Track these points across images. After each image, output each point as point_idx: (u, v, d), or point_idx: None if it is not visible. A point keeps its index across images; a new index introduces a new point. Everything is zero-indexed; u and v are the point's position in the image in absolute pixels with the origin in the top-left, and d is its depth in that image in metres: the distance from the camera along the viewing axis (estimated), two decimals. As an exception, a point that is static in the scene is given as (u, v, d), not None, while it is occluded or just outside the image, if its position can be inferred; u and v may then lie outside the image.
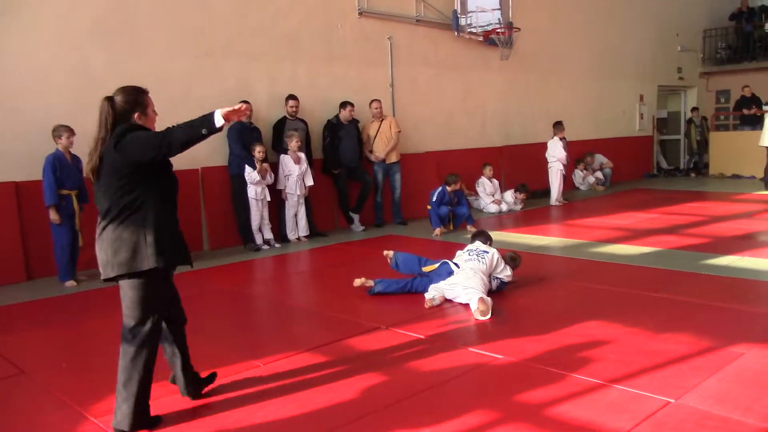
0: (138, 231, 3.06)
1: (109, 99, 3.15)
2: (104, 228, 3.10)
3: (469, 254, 5.43)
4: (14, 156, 6.66)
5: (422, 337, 4.43)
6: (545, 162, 11.63)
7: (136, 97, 3.20)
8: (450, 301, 5.22)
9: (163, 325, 3.32)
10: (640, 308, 4.93)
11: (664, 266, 6.27)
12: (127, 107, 3.16)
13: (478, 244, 5.60)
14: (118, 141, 3.03)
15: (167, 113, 7.66)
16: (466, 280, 5.13)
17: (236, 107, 3.07)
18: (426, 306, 5.11)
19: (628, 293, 5.38)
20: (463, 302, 5.08)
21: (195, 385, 3.52)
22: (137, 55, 7.51)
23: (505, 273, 5.41)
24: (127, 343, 3.13)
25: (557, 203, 11.31)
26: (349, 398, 3.48)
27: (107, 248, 3.08)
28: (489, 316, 4.73)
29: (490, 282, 5.32)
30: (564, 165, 11.37)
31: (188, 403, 3.49)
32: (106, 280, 3.17)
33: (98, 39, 7.23)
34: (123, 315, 3.17)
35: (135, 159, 3.04)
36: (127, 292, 3.12)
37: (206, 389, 3.59)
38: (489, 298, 4.93)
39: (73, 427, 3.29)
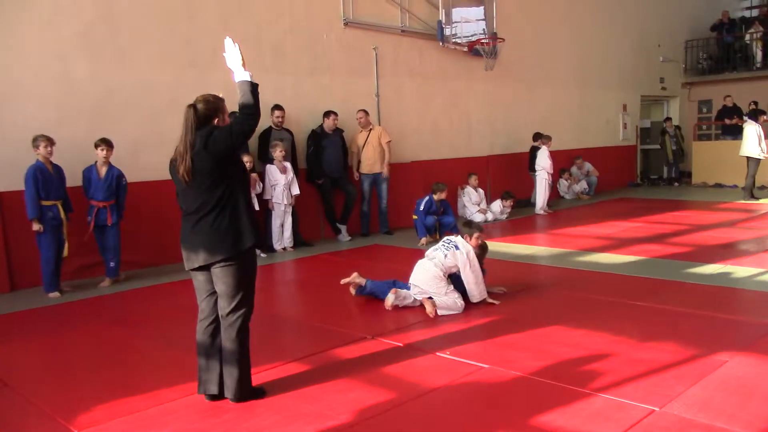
0: (234, 219, 3.44)
1: (193, 107, 3.46)
2: (199, 220, 3.45)
3: (443, 244, 5.52)
4: (-3, 166, 6.61)
5: (408, 347, 4.44)
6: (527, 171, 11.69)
7: (216, 105, 3.53)
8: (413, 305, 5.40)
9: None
10: (624, 317, 4.97)
11: (648, 275, 6.33)
12: (209, 113, 3.49)
13: (457, 238, 5.61)
14: (206, 141, 3.38)
15: (152, 123, 7.76)
16: (419, 280, 5.36)
17: (228, 50, 3.54)
18: (386, 306, 5.37)
19: (613, 302, 5.41)
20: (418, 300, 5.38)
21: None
22: (122, 65, 7.48)
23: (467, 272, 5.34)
24: (230, 325, 3.50)
25: (542, 212, 11.39)
26: (335, 409, 3.47)
27: (208, 238, 3.44)
28: (433, 315, 5.12)
29: (450, 279, 5.39)
30: (549, 174, 11.49)
31: (173, 412, 3.46)
32: (199, 268, 3.52)
33: (82, 49, 7.19)
34: (220, 300, 3.53)
35: (219, 151, 3.38)
36: (228, 275, 3.47)
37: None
38: (435, 299, 5.21)
39: (56, 440, 3.26)
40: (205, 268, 3.51)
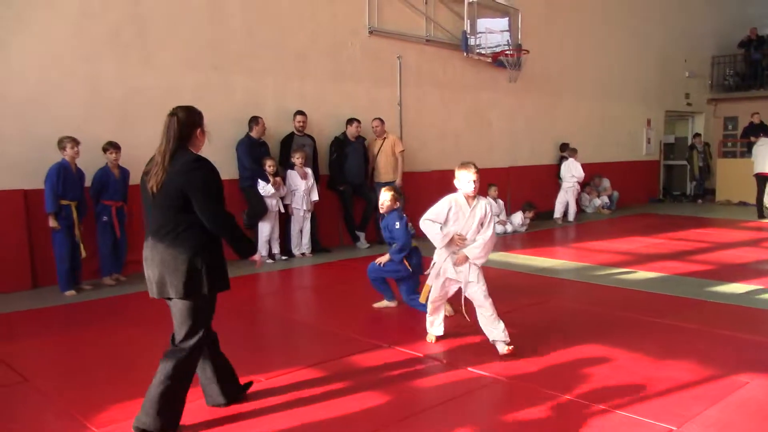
0: (194, 253, 3.20)
1: (174, 115, 3.25)
2: (156, 244, 3.23)
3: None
4: (23, 164, 6.71)
5: (423, 355, 4.43)
6: (552, 183, 11.66)
7: (198, 114, 3.35)
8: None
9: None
10: (643, 334, 4.91)
11: (669, 292, 6.25)
12: (191, 123, 3.29)
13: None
14: (188, 175, 3.17)
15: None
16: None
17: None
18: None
19: (632, 318, 5.36)
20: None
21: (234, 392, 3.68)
22: (148, 67, 7.59)
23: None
24: (173, 353, 3.28)
25: (560, 222, 11.78)
26: (350, 416, 3.47)
27: (159, 268, 3.21)
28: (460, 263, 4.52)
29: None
30: (579, 184, 12.08)
31: (186, 416, 3.48)
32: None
33: (110, 51, 7.30)
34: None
35: (191, 200, 3.20)
36: (181, 308, 3.28)
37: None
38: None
39: (74, 437, 3.29)
40: None
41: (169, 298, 3.28)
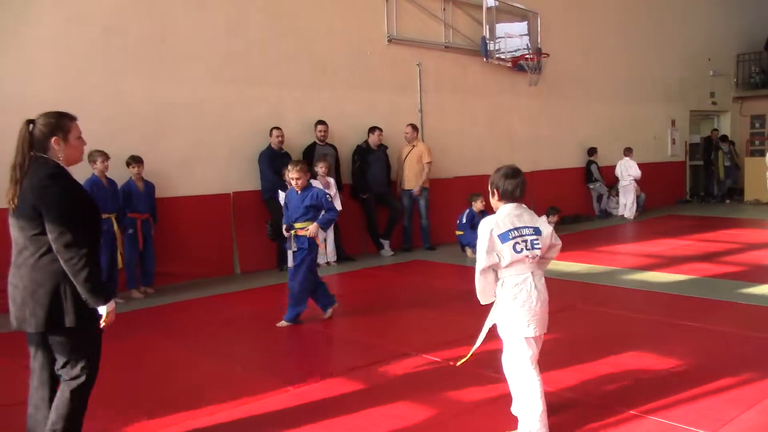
0: (57, 280, 2.80)
1: (30, 122, 2.91)
2: (18, 267, 2.86)
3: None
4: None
5: (451, 363, 4.40)
6: (575, 187, 11.60)
7: (57, 121, 2.92)
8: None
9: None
10: (674, 338, 4.84)
11: (700, 294, 6.15)
12: (46, 131, 2.88)
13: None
14: (40, 191, 2.78)
15: (201, 138, 7.93)
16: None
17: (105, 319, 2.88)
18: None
19: (662, 322, 5.28)
20: None
21: None
22: (172, 81, 7.69)
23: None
24: (63, 388, 2.92)
25: (632, 217, 12.50)
26: (379, 425, 3.46)
27: (20, 295, 2.83)
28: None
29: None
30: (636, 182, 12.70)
31: (217, 425, 3.49)
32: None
33: (135, 66, 7.42)
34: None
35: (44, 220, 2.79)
36: (55, 341, 2.89)
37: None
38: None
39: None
40: None
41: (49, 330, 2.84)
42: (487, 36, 10.98)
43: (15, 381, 4.24)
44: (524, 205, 3.31)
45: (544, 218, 3.38)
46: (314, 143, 8.73)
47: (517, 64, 11.37)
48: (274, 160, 8.17)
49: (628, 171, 12.77)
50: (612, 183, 13.21)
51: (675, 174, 15.67)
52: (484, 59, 11.00)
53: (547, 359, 4.37)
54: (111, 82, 7.24)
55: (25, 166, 2.84)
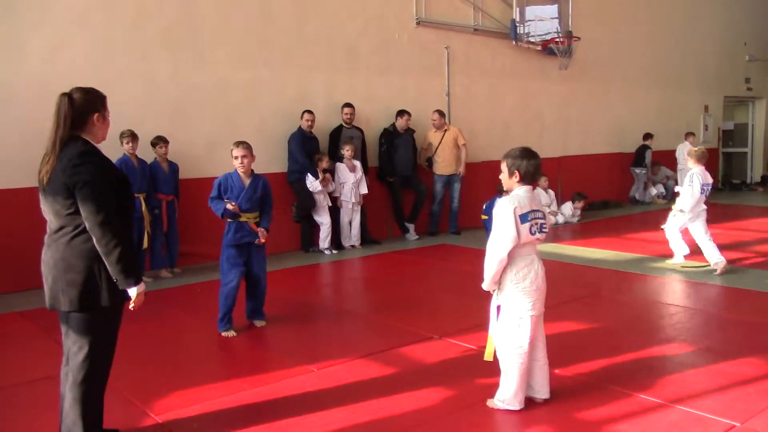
0: (92, 258, 2.78)
1: (68, 95, 2.82)
2: (50, 245, 2.85)
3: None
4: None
5: (475, 347, 4.39)
6: (604, 173, 11.44)
7: (96, 98, 2.91)
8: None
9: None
10: (704, 327, 4.78)
11: (730, 284, 6.05)
12: (89, 106, 2.85)
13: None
14: (69, 169, 2.74)
15: (228, 121, 7.98)
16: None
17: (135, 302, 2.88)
18: None
19: (690, 310, 5.21)
20: None
21: None
22: (202, 64, 7.73)
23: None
24: (70, 373, 2.89)
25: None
26: (401, 407, 3.48)
27: (52, 273, 2.82)
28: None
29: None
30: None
31: (241, 405, 3.55)
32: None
33: (165, 50, 7.47)
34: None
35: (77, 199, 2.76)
36: (74, 325, 2.86)
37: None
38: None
39: (134, 422, 3.39)
40: None
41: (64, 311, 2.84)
42: (517, 19, 10.83)
43: (51, 355, 4.36)
44: (531, 187, 3.38)
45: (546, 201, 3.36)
46: (341, 126, 8.73)
47: (547, 48, 11.21)
48: (305, 144, 8.19)
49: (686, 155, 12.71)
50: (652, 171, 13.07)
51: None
52: (514, 42, 10.86)
53: (573, 345, 4.36)
54: (141, 64, 7.30)
55: (64, 141, 2.79)
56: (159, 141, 7.02)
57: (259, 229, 4.90)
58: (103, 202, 2.74)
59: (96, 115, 2.87)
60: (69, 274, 2.78)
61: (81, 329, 2.84)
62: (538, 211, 3.32)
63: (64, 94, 2.82)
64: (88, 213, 2.73)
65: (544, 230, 3.35)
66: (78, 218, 2.77)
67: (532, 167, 3.33)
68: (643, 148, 12.86)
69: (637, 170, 12.96)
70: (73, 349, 2.86)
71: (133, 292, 2.84)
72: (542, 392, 3.45)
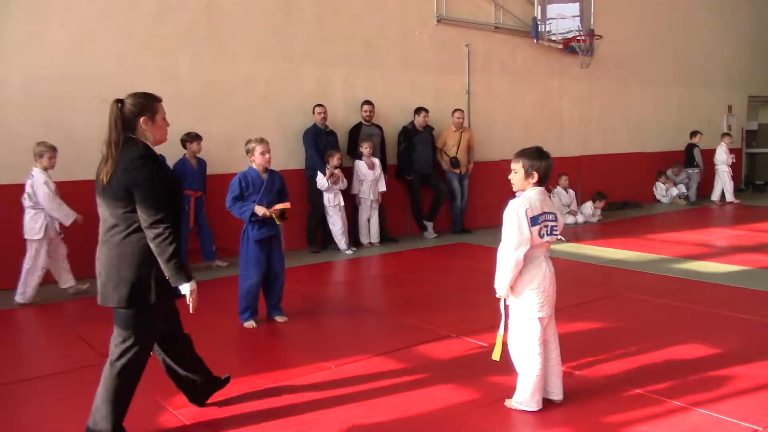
0: (143, 256, 2.93)
1: (119, 101, 3.03)
2: (104, 243, 2.99)
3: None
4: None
5: (487, 346, 4.36)
6: (625, 173, 11.38)
7: (145, 102, 3.06)
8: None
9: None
10: (725, 330, 4.70)
11: (753, 286, 5.95)
12: (135, 110, 3.01)
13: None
14: (129, 172, 2.90)
15: (248, 116, 8.01)
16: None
17: (191, 303, 3.03)
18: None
19: (713, 313, 5.14)
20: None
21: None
22: (221, 59, 7.77)
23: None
24: (111, 364, 3.02)
25: (734, 200, 12.65)
26: (418, 405, 3.47)
27: (105, 270, 2.96)
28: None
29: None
30: (728, 167, 12.70)
31: (259, 401, 3.56)
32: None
33: (185, 44, 7.52)
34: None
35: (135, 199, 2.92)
36: (120, 319, 3.01)
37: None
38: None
39: (153, 416, 3.42)
40: None
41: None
42: (539, 17, 10.76)
43: (55, 351, 4.40)
44: (543, 189, 3.35)
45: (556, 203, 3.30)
46: (360, 123, 8.72)
47: (568, 46, 11.12)
48: (318, 139, 8.18)
49: (717, 157, 12.80)
50: (661, 169, 12.89)
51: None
52: (535, 41, 10.79)
53: (593, 346, 4.32)
54: (162, 59, 7.36)
55: (119, 144, 2.95)
56: (190, 139, 7.06)
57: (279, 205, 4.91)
58: (159, 202, 2.90)
59: (143, 119, 3.02)
60: (120, 272, 2.92)
61: (126, 324, 2.97)
62: (550, 213, 3.29)
63: (116, 100, 3.01)
64: (144, 211, 2.88)
65: (554, 233, 3.31)
66: (132, 217, 2.92)
67: (550, 169, 3.31)
68: (690, 147, 12.75)
69: (690, 171, 12.81)
70: (115, 342, 3.00)
71: (186, 288, 2.98)
72: (555, 393, 3.42)
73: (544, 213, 3.25)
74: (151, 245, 2.89)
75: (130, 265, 2.92)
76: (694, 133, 12.79)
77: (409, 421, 3.31)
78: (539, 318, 3.29)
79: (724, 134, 13.07)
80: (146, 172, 2.91)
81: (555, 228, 3.31)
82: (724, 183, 12.73)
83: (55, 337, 5.09)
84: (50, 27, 6.70)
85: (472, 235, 9.29)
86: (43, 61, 6.67)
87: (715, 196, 12.78)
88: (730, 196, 12.69)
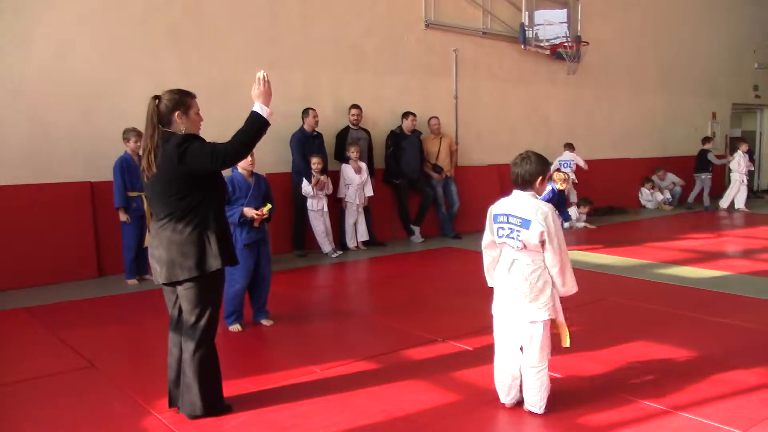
0: (200, 234, 3.22)
1: (156, 98, 3.28)
2: (161, 229, 3.24)
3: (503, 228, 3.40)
4: (90, 157, 6.96)
5: (478, 351, 4.38)
6: (610, 178, 11.45)
7: (180, 98, 3.31)
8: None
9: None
10: (708, 334, 4.75)
11: (735, 291, 6.02)
12: (170, 105, 3.26)
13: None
14: (181, 154, 3.15)
15: (234, 120, 7.92)
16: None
17: (259, 82, 3.43)
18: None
19: (695, 318, 5.18)
20: None
21: None
22: (209, 63, 7.75)
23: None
24: (189, 338, 3.30)
25: (745, 209, 12.34)
26: (404, 410, 3.47)
27: (168, 252, 3.21)
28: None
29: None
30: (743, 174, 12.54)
31: (244, 404, 3.55)
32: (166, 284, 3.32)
33: (173, 47, 7.49)
34: (183, 313, 3.35)
35: (197, 171, 3.20)
36: (190, 294, 3.28)
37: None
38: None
39: (137, 421, 3.40)
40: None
41: (179, 282, 3.26)
42: (526, 23, 10.84)
43: (53, 352, 4.37)
44: (527, 194, 3.35)
45: (544, 212, 3.30)
46: (347, 127, 8.73)
47: (555, 52, 11.20)
48: (306, 143, 8.15)
49: (733, 164, 12.65)
50: (646, 175, 13.00)
51: (714, 168, 15.27)
52: (522, 46, 10.86)
53: (576, 350, 4.35)
54: (148, 61, 7.32)
55: (155, 138, 3.21)
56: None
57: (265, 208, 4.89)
58: (210, 144, 3.18)
59: (177, 113, 3.26)
60: (183, 248, 3.19)
61: (195, 295, 3.26)
62: (514, 216, 3.41)
63: (153, 97, 3.28)
64: (205, 158, 3.14)
65: (515, 237, 3.39)
66: (182, 203, 3.18)
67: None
68: (704, 153, 12.79)
69: (703, 176, 12.83)
70: (189, 316, 3.29)
71: (264, 111, 3.37)
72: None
73: (506, 213, 3.42)
74: (229, 158, 3.18)
75: (190, 242, 3.18)
76: (706, 139, 12.91)
77: (395, 425, 3.31)
78: (494, 314, 3.52)
79: (742, 141, 12.91)
80: (194, 144, 3.17)
81: (519, 233, 3.40)
82: (736, 190, 12.54)
83: (36, 340, 5.04)
84: (34, 28, 6.64)
85: (459, 240, 9.31)
86: (28, 62, 6.60)
87: (725, 203, 12.65)
88: (738, 204, 12.47)
